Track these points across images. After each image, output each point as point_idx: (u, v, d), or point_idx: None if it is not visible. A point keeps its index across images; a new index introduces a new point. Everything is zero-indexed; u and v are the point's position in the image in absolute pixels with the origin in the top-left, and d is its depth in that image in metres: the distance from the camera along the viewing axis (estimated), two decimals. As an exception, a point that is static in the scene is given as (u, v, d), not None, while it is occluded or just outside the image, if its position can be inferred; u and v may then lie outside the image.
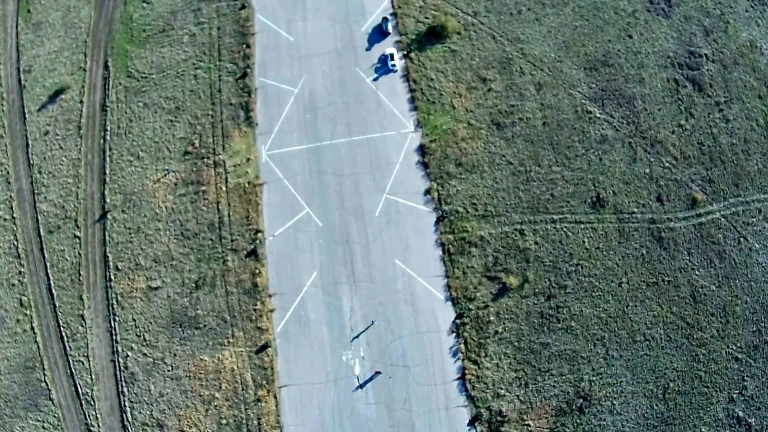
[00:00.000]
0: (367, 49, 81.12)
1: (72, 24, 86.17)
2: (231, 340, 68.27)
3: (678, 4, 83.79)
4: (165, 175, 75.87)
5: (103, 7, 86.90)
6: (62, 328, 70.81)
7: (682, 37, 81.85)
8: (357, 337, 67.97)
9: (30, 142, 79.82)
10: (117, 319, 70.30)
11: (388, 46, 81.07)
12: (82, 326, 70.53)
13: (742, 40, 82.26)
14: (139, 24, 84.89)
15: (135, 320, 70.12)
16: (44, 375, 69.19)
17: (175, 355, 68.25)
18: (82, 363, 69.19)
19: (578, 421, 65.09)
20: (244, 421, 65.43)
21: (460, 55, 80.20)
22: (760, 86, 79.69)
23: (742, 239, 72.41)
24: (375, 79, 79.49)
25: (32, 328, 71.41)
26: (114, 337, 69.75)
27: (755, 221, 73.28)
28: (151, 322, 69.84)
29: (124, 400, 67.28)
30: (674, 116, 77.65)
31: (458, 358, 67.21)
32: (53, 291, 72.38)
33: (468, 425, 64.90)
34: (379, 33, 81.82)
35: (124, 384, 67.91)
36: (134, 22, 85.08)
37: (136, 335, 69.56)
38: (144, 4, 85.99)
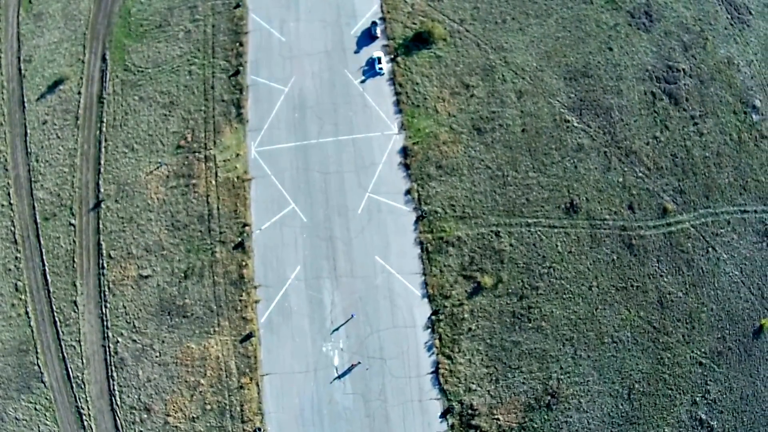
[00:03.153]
0: (356, 52, 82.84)
1: (72, 16, 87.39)
2: (217, 328, 70.55)
3: (659, 20, 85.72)
4: (158, 168, 77.72)
5: (102, 0, 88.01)
6: (55, 313, 72.83)
7: (661, 52, 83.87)
8: (337, 329, 70.43)
9: (28, 131, 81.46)
10: (108, 305, 72.39)
11: (376, 50, 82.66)
12: (75, 312, 72.55)
13: (719, 57, 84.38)
14: (136, 19, 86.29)
15: (125, 307, 72.26)
16: (37, 358, 71.24)
17: (163, 341, 70.53)
18: (74, 347, 71.35)
19: (546, 417, 67.98)
20: (228, 407, 67.87)
21: (445, 61, 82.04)
22: (736, 102, 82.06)
23: (710, 249, 75.05)
24: (362, 81, 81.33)
25: (26, 313, 73.37)
26: (105, 323, 71.85)
27: (724, 232, 75.97)
28: (140, 310, 72.00)
29: (114, 384, 69.56)
30: (649, 128, 79.94)
31: (433, 353, 69.80)
32: (48, 277, 74.34)
33: (440, 417, 67.63)
34: (368, 36, 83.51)
35: (113, 368, 70.14)
36: (132, 17, 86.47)
37: (126, 322, 71.72)
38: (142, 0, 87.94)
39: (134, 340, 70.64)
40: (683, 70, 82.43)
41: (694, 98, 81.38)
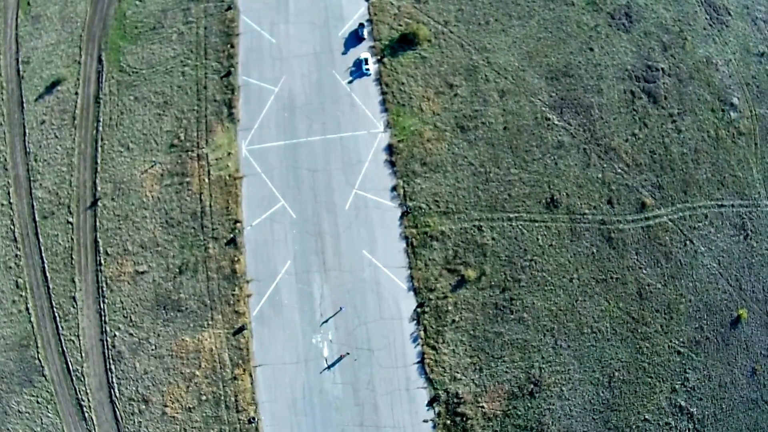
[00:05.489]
0: (344, 53, 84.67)
1: (69, 18, 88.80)
2: (210, 322, 72.44)
3: (638, 20, 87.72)
4: (152, 166, 79.46)
5: (98, 3, 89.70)
6: (55, 309, 74.55)
7: (640, 52, 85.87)
8: (326, 321, 72.47)
9: (27, 131, 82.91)
10: (106, 301, 74.16)
11: (363, 51, 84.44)
12: (74, 307, 74.26)
13: (698, 56, 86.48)
14: (131, 21, 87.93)
15: (122, 302, 74.03)
16: (38, 353, 72.87)
17: (158, 335, 72.37)
18: (73, 342, 73.07)
19: (529, 404, 70.17)
20: (222, 398, 69.80)
21: (430, 61, 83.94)
22: (714, 100, 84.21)
23: (688, 242, 77.30)
24: (350, 82, 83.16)
25: (27, 309, 74.98)
26: (103, 317, 73.60)
27: (701, 226, 78.23)
28: (137, 305, 73.80)
29: (112, 377, 71.34)
30: (629, 125, 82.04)
31: (418, 344, 71.94)
32: (47, 273, 75.99)
33: (427, 406, 69.78)
34: (355, 38, 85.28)
35: (111, 362, 71.92)
36: (127, 19, 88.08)
37: (124, 316, 73.51)
38: (137, 2, 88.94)
39: (131, 334, 72.46)
40: (662, 69, 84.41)
41: (672, 96, 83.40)
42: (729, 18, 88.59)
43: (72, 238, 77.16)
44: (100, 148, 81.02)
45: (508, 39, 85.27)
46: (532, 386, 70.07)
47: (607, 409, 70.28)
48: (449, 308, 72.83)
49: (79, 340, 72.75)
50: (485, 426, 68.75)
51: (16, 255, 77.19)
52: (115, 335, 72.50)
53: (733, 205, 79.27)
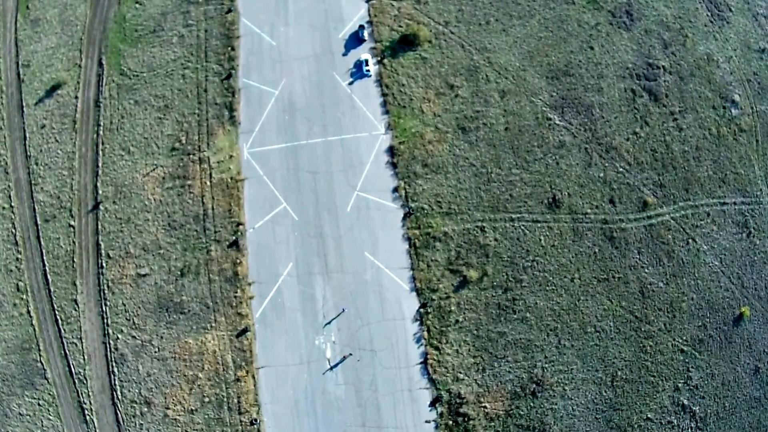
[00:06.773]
0: (344, 55, 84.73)
1: (68, 21, 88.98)
2: (213, 324, 72.59)
3: (639, 18, 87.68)
4: (153, 169, 79.57)
5: (97, 6, 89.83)
6: (57, 312, 74.69)
7: (641, 50, 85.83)
8: (329, 323, 72.57)
9: (27, 135, 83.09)
10: (108, 303, 74.29)
11: (363, 52, 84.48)
12: (76, 310, 74.45)
13: (699, 53, 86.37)
14: (131, 24, 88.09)
15: (125, 305, 74.20)
16: (40, 356, 73.03)
17: (161, 337, 72.49)
18: (76, 345, 73.23)
19: (531, 404, 70.14)
20: (225, 399, 69.94)
21: (431, 62, 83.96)
22: (715, 97, 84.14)
23: (690, 240, 77.25)
24: (350, 83, 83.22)
25: (29, 312, 75.14)
26: (105, 320, 73.74)
27: (703, 224, 78.19)
28: (139, 307, 73.95)
29: (115, 380, 71.47)
30: (630, 124, 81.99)
31: (421, 344, 71.98)
32: (48, 277, 76.14)
33: (429, 406, 69.79)
34: (355, 40, 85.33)
35: (114, 364, 72.08)
36: (127, 22, 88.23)
37: (126, 319, 73.65)
38: (137, 5, 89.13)
39: (134, 337, 72.60)
40: (663, 67, 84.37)
41: (673, 94, 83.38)
42: (730, 14, 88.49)
43: (74, 241, 77.31)
44: (101, 152, 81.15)
45: (508, 39, 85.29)
46: (534, 386, 70.05)
47: (609, 409, 70.25)
48: (452, 308, 72.85)
49: (82, 342, 72.86)
50: (487, 426, 68.74)
51: (18, 258, 77.30)
52: (117, 338, 72.58)
53: (735, 203, 79.18)
